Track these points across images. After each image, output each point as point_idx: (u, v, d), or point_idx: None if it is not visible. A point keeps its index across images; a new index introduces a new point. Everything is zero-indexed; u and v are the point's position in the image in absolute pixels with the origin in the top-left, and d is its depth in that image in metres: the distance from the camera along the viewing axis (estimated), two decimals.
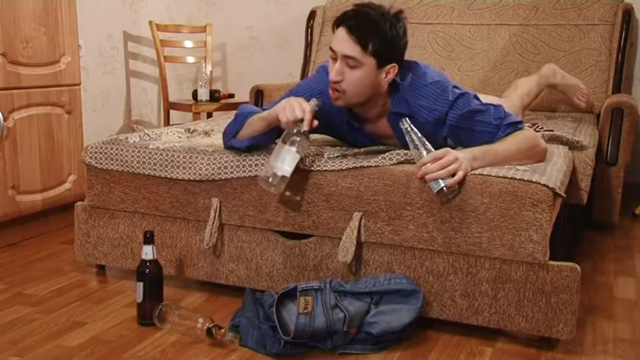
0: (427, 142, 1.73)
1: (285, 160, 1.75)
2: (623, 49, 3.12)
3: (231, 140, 1.97)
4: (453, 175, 1.68)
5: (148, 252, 1.82)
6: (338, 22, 1.82)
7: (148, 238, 1.82)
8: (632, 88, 3.40)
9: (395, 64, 1.81)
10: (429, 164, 1.68)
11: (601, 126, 2.76)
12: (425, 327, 1.83)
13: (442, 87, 1.83)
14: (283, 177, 1.75)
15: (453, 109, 1.80)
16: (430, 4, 3.50)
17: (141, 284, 1.82)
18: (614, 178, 2.74)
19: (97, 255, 2.20)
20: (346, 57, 1.77)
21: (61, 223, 2.76)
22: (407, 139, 1.74)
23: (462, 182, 1.70)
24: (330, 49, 1.82)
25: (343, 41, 1.77)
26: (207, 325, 1.71)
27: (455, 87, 1.84)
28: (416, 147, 1.73)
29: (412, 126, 1.74)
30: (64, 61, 2.67)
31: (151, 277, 1.82)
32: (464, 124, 1.80)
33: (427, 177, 1.69)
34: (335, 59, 1.80)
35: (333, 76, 1.80)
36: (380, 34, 1.76)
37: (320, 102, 1.81)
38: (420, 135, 1.73)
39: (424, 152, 1.72)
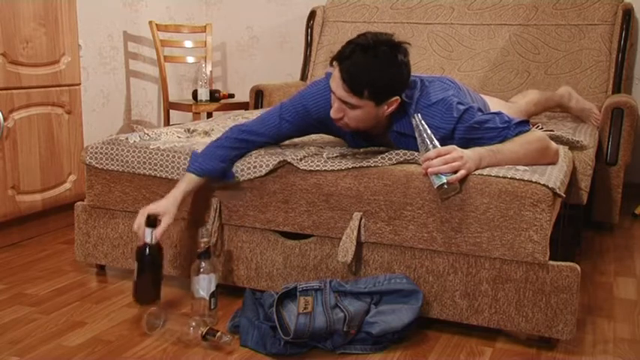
0: (435, 139, 1.72)
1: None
2: (623, 49, 3.12)
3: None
4: (456, 172, 1.68)
5: (148, 234, 1.81)
6: (334, 60, 1.77)
7: (151, 222, 1.81)
8: (632, 88, 3.40)
9: (396, 97, 1.79)
10: (432, 159, 1.68)
11: (601, 126, 2.76)
12: (425, 327, 1.83)
13: (446, 105, 1.81)
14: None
15: (460, 124, 1.79)
16: (430, 4, 3.50)
17: (136, 263, 1.82)
18: (614, 178, 2.74)
19: (97, 255, 2.20)
20: (343, 101, 1.76)
21: (61, 223, 2.76)
22: (416, 134, 1.74)
23: (463, 181, 1.70)
24: (330, 85, 1.80)
25: (339, 86, 1.75)
26: (201, 329, 1.70)
27: (459, 103, 1.83)
28: (424, 143, 1.72)
29: (422, 121, 1.73)
30: (64, 61, 2.67)
31: (149, 258, 1.82)
32: (473, 134, 1.80)
33: (429, 170, 1.69)
34: (335, 94, 1.79)
35: (333, 114, 1.81)
36: (375, 80, 1.72)
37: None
38: (429, 131, 1.73)
39: (431, 148, 1.71)
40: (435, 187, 1.69)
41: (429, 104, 1.83)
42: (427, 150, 1.71)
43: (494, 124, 1.80)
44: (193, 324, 1.72)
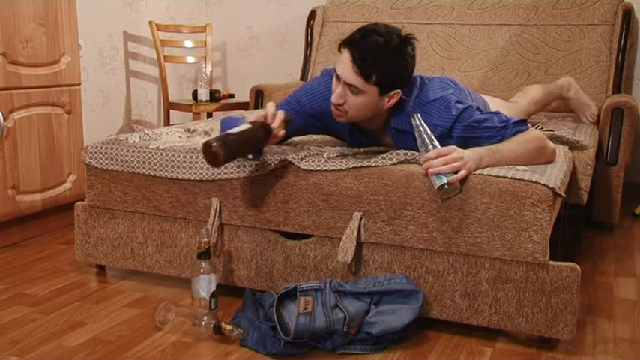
0: (435, 140, 1.72)
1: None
2: (623, 49, 3.12)
3: None
4: (456, 172, 1.68)
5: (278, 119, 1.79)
6: (344, 45, 1.78)
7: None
8: (632, 88, 3.40)
9: (398, 90, 1.80)
10: (433, 159, 1.69)
11: (601, 126, 2.76)
12: (425, 327, 1.83)
13: (445, 103, 1.82)
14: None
15: (458, 122, 1.80)
16: (430, 4, 3.50)
17: (246, 125, 1.77)
18: (614, 178, 2.74)
19: (97, 255, 2.20)
20: (348, 84, 1.76)
21: (61, 223, 2.76)
22: (415, 134, 1.74)
23: (463, 181, 1.70)
24: (335, 69, 1.81)
25: (347, 68, 1.75)
26: (213, 321, 1.72)
27: (458, 101, 1.83)
28: (424, 143, 1.72)
29: (422, 122, 1.74)
30: (64, 61, 2.67)
31: (261, 133, 1.78)
32: (471, 133, 1.80)
33: (429, 171, 1.69)
34: (339, 79, 1.79)
35: (335, 98, 1.80)
36: (384, 66, 1.73)
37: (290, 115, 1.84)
38: (429, 132, 1.73)
39: (431, 148, 1.71)
40: (436, 187, 1.69)
41: (427, 101, 1.83)
42: (427, 150, 1.71)
43: (492, 124, 1.80)
44: (204, 317, 1.73)
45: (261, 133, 1.79)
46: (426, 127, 1.73)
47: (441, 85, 1.89)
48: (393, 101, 1.81)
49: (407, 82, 1.83)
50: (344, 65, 1.76)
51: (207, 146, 1.70)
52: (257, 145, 1.82)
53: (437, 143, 1.72)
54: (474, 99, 2.15)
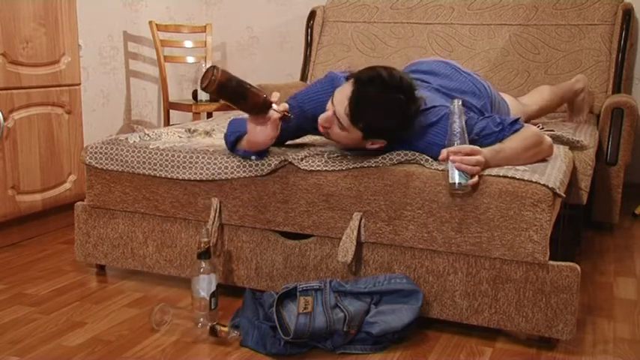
0: (466, 134, 1.72)
1: None
2: (623, 49, 3.12)
3: (234, 151, 1.95)
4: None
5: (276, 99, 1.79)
6: (352, 77, 1.75)
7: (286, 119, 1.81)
8: (632, 88, 3.40)
9: (383, 141, 1.80)
10: (458, 155, 1.67)
11: (601, 126, 2.76)
12: (425, 327, 1.83)
13: (445, 124, 1.80)
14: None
15: None
16: (430, 4, 3.50)
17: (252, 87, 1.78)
18: (614, 178, 2.74)
19: (97, 255, 2.20)
20: (337, 117, 1.75)
21: (61, 223, 2.76)
22: (450, 119, 1.73)
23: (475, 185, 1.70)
24: (334, 92, 1.78)
25: (341, 103, 1.72)
26: (209, 323, 1.72)
27: None
28: (454, 133, 1.71)
29: (462, 111, 1.73)
30: (64, 61, 2.67)
31: (262, 105, 1.76)
32: (473, 142, 1.80)
33: (457, 165, 1.66)
34: (333, 104, 1.77)
35: (322, 119, 1.79)
36: (376, 119, 1.71)
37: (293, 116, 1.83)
38: (464, 124, 1.72)
39: (457, 142, 1.70)
40: (451, 181, 1.67)
41: (429, 124, 1.83)
42: (456, 140, 1.70)
43: (490, 130, 1.83)
44: (201, 319, 1.73)
45: (260, 100, 1.75)
46: (463, 117, 1.73)
47: (443, 102, 1.89)
48: (375, 147, 1.81)
49: (397, 137, 1.81)
50: (340, 98, 1.73)
51: (210, 67, 1.72)
52: (250, 104, 1.76)
53: (467, 139, 1.72)
54: (497, 101, 2.16)
